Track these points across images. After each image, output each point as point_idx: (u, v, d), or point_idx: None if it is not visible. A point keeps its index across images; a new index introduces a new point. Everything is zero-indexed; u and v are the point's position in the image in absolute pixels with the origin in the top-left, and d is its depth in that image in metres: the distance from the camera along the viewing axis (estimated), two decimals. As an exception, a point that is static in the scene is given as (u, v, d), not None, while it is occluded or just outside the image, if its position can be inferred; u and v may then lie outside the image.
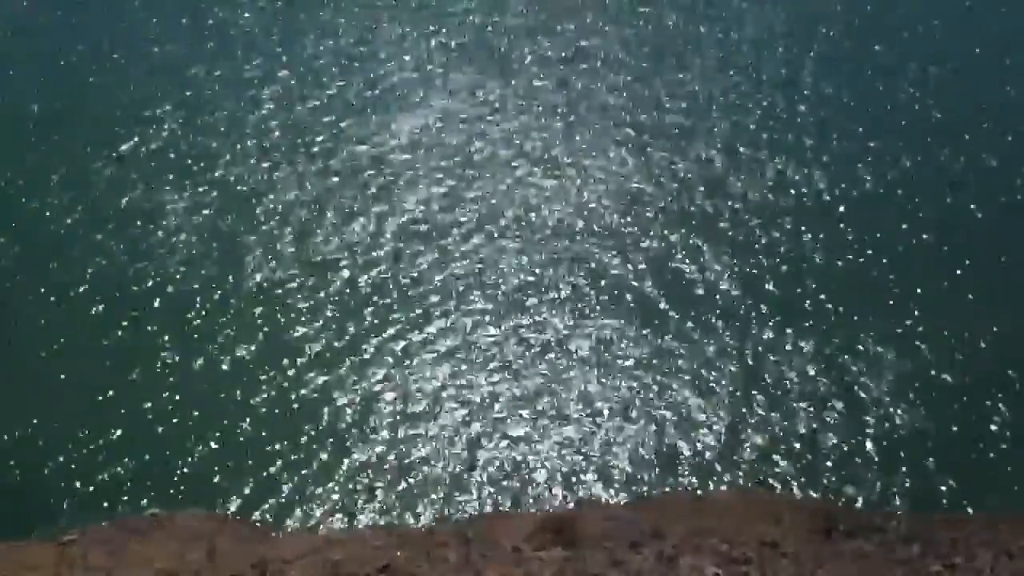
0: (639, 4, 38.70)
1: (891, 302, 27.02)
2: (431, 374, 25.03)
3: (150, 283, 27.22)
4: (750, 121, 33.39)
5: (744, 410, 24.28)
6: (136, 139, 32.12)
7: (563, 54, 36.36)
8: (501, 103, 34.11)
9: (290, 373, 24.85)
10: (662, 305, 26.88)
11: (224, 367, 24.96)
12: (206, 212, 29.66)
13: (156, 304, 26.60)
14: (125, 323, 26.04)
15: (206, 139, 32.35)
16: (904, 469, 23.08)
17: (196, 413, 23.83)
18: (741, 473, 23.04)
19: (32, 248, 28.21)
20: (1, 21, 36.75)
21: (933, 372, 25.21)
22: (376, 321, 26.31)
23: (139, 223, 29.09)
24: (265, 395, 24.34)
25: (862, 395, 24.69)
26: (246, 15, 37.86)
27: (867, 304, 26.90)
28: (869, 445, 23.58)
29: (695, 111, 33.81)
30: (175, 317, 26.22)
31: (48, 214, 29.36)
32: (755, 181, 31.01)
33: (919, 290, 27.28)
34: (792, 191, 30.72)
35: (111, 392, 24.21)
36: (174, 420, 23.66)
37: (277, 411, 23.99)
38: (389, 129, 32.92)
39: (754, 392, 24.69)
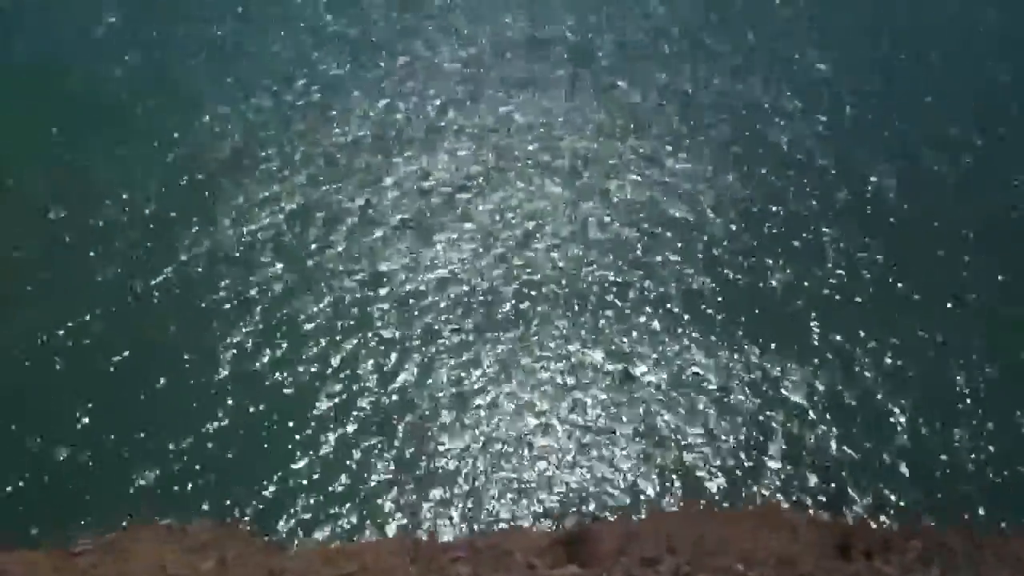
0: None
1: (922, 308, 26.49)
2: (447, 384, 24.81)
3: (166, 283, 27.10)
4: (773, 113, 32.99)
5: (761, 423, 23.99)
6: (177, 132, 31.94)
7: (586, 45, 36.00)
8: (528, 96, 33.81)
9: (306, 383, 24.67)
10: (679, 315, 26.61)
11: (240, 375, 24.80)
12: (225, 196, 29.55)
13: (174, 306, 26.41)
14: (140, 326, 25.87)
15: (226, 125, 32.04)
16: (926, 485, 22.72)
17: (211, 422, 23.72)
18: (758, 488, 22.73)
19: (47, 237, 27.93)
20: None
21: (961, 383, 24.71)
22: (396, 331, 26.05)
23: (153, 220, 29.00)
24: (281, 406, 24.16)
25: (884, 407, 24.29)
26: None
27: (893, 311, 26.49)
28: (888, 459, 23.23)
29: (724, 108, 33.22)
30: (192, 319, 26.08)
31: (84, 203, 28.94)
32: (789, 181, 30.61)
33: (953, 297, 26.71)
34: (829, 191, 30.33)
35: (124, 399, 24.12)
36: (188, 428, 23.55)
37: (293, 422, 23.84)
38: (407, 128, 32.70)
39: (772, 405, 24.40)
